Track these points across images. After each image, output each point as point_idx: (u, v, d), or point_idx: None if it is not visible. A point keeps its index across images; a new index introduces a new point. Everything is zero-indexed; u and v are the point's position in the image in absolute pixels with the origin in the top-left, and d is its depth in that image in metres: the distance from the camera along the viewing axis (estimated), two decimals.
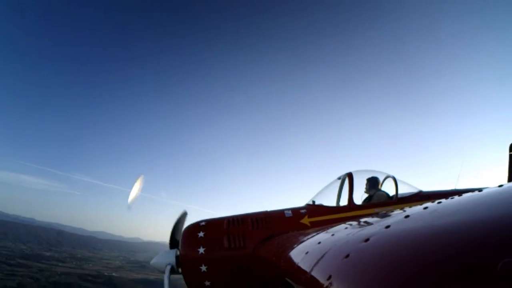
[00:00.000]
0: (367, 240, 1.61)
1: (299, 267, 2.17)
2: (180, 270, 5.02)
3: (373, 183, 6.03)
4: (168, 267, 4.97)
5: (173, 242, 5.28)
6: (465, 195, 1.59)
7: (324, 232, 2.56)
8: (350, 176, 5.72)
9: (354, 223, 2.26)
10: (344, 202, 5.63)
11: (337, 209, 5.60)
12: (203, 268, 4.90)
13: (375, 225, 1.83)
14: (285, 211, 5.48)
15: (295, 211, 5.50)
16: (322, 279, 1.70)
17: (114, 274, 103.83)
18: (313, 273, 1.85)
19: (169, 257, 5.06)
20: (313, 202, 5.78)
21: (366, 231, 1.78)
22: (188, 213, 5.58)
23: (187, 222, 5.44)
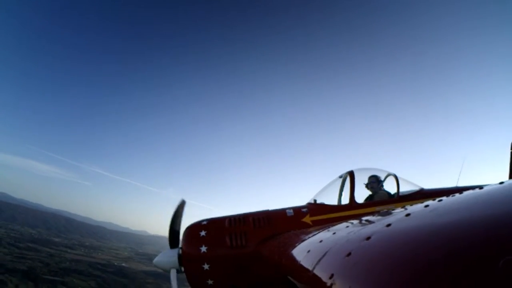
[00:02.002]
0: (368, 238, 1.61)
1: (301, 266, 2.18)
2: (182, 269, 5.04)
3: (374, 182, 6.02)
4: (174, 272, 5.01)
5: (173, 234, 5.28)
6: (466, 193, 1.59)
7: (325, 230, 2.56)
8: (351, 174, 5.71)
9: (356, 221, 2.27)
10: (345, 200, 5.63)
11: (339, 207, 5.60)
12: (206, 266, 4.92)
13: (377, 223, 1.84)
14: (287, 210, 5.48)
15: (297, 210, 5.50)
16: (324, 278, 1.70)
17: (124, 264, 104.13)
18: (315, 272, 1.86)
19: (172, 260, 5.05)
20: (315, 200, 5.78)
21: (368, 229, 1.79)
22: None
23: (187, 218, 5.45)
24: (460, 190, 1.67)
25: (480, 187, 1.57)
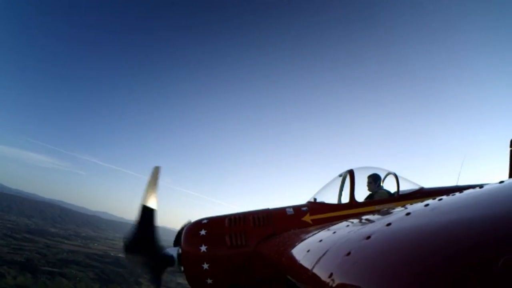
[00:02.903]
0: (368, 237, 1.61)
1: (300, 265, 2.18)
2: (182, 268, 5.04)
3: (374, 180, 6.02)
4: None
5: (145, 211, 5.01)
6: (466, 192, 1.58)
7: (325, 229, 2.56)
8: (351, 173, 5.70)
9: (356, 220, 2.26)
10: (345, 199, 5.62)
11: (339, 206, 5.59)
12: (205, 266, 4.91)
13: (376, 222, 1.83)
14: (287, 209, 5.47)
15: (297, 208, 5.49)
16: (323, 277, 1.70)
17: (120, 255, 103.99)
18: (314, 271, 1.85)
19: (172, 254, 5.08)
20: (315, 199, 5.77)
21: (367, 228, 1.79)
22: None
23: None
24: (460, 189, 1.66)
25: (480, 186, 1.57)
